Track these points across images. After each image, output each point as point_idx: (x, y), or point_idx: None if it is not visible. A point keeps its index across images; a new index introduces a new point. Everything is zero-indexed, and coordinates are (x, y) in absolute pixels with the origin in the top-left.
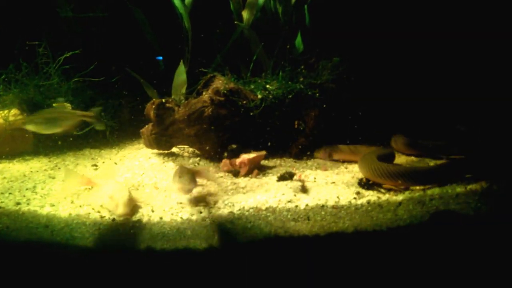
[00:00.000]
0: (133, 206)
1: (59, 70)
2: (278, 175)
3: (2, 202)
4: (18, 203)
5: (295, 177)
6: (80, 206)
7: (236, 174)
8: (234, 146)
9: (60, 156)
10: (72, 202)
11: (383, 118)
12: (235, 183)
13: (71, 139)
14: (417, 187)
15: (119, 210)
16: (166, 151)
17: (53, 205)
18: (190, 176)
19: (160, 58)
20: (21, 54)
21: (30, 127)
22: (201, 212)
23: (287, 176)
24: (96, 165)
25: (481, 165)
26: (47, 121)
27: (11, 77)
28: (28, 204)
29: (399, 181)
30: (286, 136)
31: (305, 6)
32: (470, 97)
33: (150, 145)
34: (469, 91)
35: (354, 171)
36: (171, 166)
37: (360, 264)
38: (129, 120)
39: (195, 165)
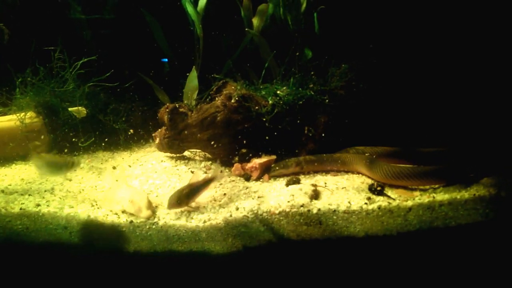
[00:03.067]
0: (153, 208)
1: (74, 74)
2: (287, 179)
3: (22, 204)
4: (38, 205)
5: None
6: (98, 208)
7: (247, 178)
8: (244, 150)
9: (74, 158)
10: (92, 205)
11: (391, 123)
12: (247, 187)
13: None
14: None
15: (142, 213)
16: (178, 155)
17: (72, 207)
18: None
19: (165, 60)
20: (37, 57)
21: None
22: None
23: (294, 180)
24: (114, 167)
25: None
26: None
27: (27, 80)
28: (48, 205)
29: (415, 181)
30: (296, 141)
31: (315, 14)
32: (480, 103)
33: (162, 148)
34: (479, 97)
35: (363, 177)
36: (183, 170)
37: (370, 267)
38: (141, 124)
39: (206, 168)
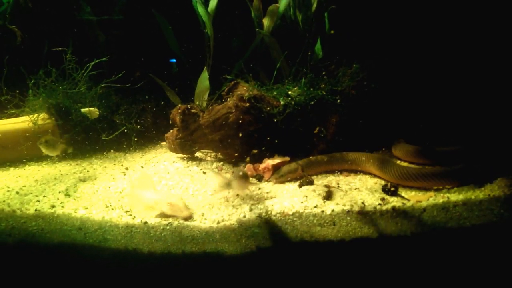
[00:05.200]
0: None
1: (86, 75)
2: (300, 181)
3: (37, 205)
4: (53, 206)
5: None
6: (113, 209)
7: (260, 179)
8: (256, 151)
9: (86, 159)
10: (106, 206)
11: (403, 123)
12: (259, 188)
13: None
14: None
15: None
16: (189, 155)
17: (87, 208)
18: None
19: (173, 60)
20: (49, 59)
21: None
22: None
23: (307, 181)
24: (127, 168)
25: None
26: None
27: (40, 82)
28: (62, 207)
29: (428, 182)
30: (308, 142)
31: (326, 14)
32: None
33: (174, 149)
34: (493, 96)
35: (376, 177)
36: (195, 170)
37: (385, 268)
38: (152, 125)
39: (218, 169)
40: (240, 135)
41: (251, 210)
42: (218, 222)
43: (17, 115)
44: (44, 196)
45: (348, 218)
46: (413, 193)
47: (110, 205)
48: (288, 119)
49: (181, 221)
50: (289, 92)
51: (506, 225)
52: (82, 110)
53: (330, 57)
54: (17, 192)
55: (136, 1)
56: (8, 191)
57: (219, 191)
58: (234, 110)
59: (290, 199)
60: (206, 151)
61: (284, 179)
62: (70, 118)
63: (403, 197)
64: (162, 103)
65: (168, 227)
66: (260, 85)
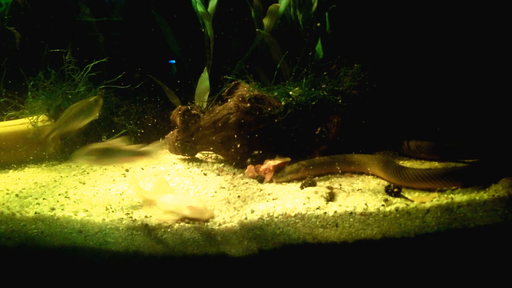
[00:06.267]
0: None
1: (86, 77)
2: (302, 182)
3: (37, 208)
4: (53, 209)
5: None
6: (113, 212)
7: (261, 180)
8: (257, 152)
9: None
10: (106, 208)
11: (404, 123)
12: (261, 189)
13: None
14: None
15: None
16: (190, 157)
17: (87, 211)
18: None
19: (173, 61)
20: (48, 61)
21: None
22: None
23: (310, 182)
24: (127, 170)
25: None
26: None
27: (39, 84)
28: (62, 209)
29: (432, 183)
30: (309, 142)
31: (326, 14)
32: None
33: (174, 151)
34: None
35: (379, 178)
36: (196, 172)
37: (388, 269)
38: (152, 126)
39: (219, 170)
40: (241, 136)
41: (252, 212)
42: (220, 224)
43: (16, 117)
44: (43, 199)
45: (351, 219)
46: (417, 194)
47: (111, 208)
48: (289, 120)
49: (182, 224)
50: (290, 93)
51: (511, 226)
52: None
53: (331, 57)
54: (17, 195)
55: (135, 2)
56: (7, 193)
57: None
58: (234, 111)
59: (292, 201)
60: (207, 152)
61: (286, 179)
62: None
63: (406, 198)
64: (162, 104)
65: (169, 230)
66: (260, 86)
